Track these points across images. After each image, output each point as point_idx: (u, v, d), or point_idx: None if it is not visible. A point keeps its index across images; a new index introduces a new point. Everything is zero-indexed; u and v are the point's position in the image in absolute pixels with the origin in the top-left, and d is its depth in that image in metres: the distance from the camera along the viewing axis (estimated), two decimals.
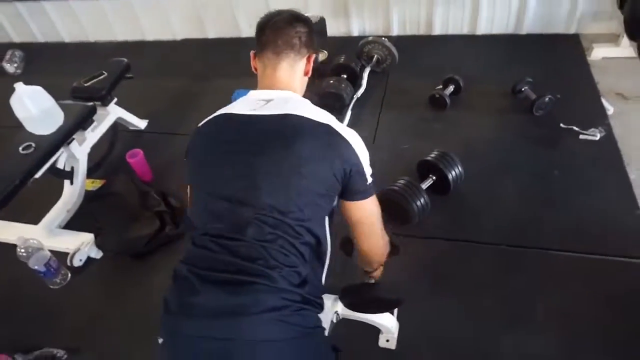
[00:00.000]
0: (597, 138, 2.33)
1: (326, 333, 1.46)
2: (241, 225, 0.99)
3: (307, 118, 1.06)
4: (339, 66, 2.92)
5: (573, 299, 1.73)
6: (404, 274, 1.92)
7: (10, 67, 2.35)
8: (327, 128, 1.07)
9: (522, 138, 2.43)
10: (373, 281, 1.47)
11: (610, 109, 2.49)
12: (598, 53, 2.85)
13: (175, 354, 0.97)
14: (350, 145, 1.08)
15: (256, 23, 1.21)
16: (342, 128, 1.10)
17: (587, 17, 3.00)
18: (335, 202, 1.15)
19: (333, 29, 3.42)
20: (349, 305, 1.40)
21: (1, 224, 2.35)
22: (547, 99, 2.46)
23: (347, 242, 1.45)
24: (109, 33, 3.92)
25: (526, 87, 2.58)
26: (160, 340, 1.00)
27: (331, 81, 2.76)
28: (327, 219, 1.15)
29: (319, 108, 1.13)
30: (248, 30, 3.67)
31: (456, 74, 2.73)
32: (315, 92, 2.80)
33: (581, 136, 2.36)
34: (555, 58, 2.93)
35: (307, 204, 1.03)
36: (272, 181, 1.01)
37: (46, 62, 3.82)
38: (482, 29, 3.20)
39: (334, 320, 1.60)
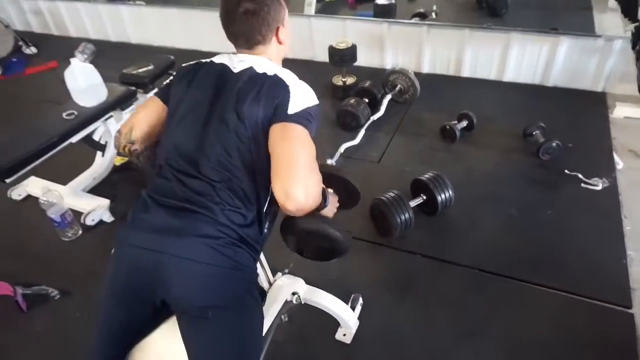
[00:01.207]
0: (599, 188, 2.34)
1: (276, 307, 1.57)
2: (198, 163, 1.13)
3: (258, 72, 1.17)
4: (362, 90, 3.10)
5: (530, 327, 1.75)
6: (375, 280, 2.01)
7: (80, 57, 2.69)
8: (273, 77, 1.15)
9: (521, 176, 2.48)
10: None
11: (620, 164, 2.49)
12: (621, 111, 2.86)
13: (117, 259, 1.14)
14: (287, 87, 1.14)
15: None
16: (287, 75, 1.17)
17: (614, 77, 3.04)
18: None
19: (367, 60, 3.64)
20: (286, 236, 1.25)
21: (34, 179, 2.64)
22: (554, 143, 2.50)
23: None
24: (170, 39, 4.35)
25: (537, 132, 2.63)
26: (112, 251, 1.16)
27: (351, 101, 2.94)
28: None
29: (279, 67, 1.22)
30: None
31: (473, 112, 2.83)
32: (335, 109, 2.99)
33: (583, 184, 2.37)
34: (576, 111, 2.97)
35: (250, 147, 1.11)
36: (222, 126, 1.13)
37: (112, 58, 4.24)
38: (509, 76, 3.31)
39: (292, 301, 1.70)
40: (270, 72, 1.18)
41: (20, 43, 4.46)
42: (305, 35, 3.72)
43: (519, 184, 2.44)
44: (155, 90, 2.71)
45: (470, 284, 1.94)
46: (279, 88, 1.14)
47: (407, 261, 2.08)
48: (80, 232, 2.38)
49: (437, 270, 2.01)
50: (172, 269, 1.06)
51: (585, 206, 2.26)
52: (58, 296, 2.04)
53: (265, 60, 1.23)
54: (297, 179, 1.01)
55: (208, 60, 1.28)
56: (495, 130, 2.84)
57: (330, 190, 1.30)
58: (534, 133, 2.64)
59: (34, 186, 2.62)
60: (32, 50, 4.48)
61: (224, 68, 1.22)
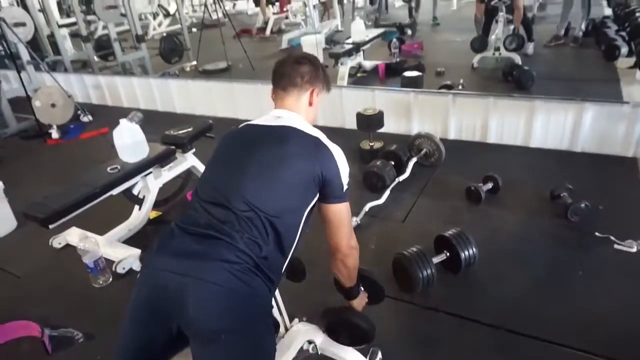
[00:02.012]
0: (634, 250, 2.25)
1: (290, 354, 1.58)
2: (228, 195, 1.23)
3: (301, 130, 1.35)
4: (389, 152, 3.20)
5: None
6: (397, 336, 1.96)
7: (129, 122, 3.01)
8: (316, 139, 1.33)
9: (549, 237, 2.42)
10: None
11: None
12: None
13: (141, 282, 1.20)
14: (334, 157, 1.31)
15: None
16: (330, 143, 1.35)
17: None
18: (311, 205, 1.33)
19: (395, 127, 3.78)
20: (324, 325, 1.60)
21: (74, 229, 2.80)
22: (583, 205, 2.46)
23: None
24: (212, 109, 4.70)
25: (565, 193, 2.61)
26: (137, 276, 1.23)
27: (377, 163, 3.03)
28: (302, 220, 1.31)
29: (314, 128, 1.40)
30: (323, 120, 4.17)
31: (499, 175, 2.85)
32: (362, 171, 3.09)
33: (616, 246, 2.29)
34: (606, 176, 2.94)
35: (285, 196, 1.25)
36: (260, 171, 1.26)
37: (157, 124, 4.63)
38: (536, 142, 3.34)
39: (308, 350, 1.68)
40: (312, 133, 1.35)
41: (79, 112, 4.93)
42: (337, 104, 3.94)
43: (546, 244, 2.38)
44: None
45: (495, 343, 1.85)
46: (325, 150, 1.32)
47: (429, 318, 2.02)
48: (110, 279, 2.47)
49: (460, 328, 1.94)
50: (192, 291, 1.11)
51: (618, 268, 2.17)
52: (82, 339, 2.09)
53: (300, 119, 1.40)
54: (346, 238, 1.39)
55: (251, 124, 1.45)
56: (522, 192, 2.83)
57: (361, 288, 1.62)
58: (561, 195, 2.61)
59: (73, 236, 2.78)
60: (89, 118, 4.93)
61: (262, 125, 1.40)
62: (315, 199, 1.33)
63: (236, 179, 1.26)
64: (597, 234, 2.38)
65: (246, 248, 1.17)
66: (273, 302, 1.54)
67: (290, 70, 1.45)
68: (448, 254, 2.22)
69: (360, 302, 1.61)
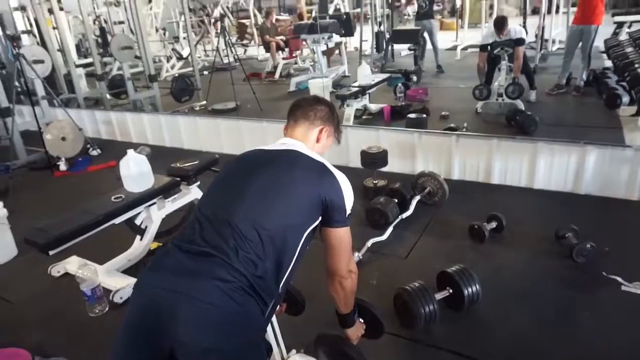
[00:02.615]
0: None
1: None
2: (227, 212, 1.23)
3: (306, 155, 1.39)
4: (392, 190, 3.21)
5: None
6: None
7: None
8: (322, 165, 1.36)
9: (554, 277, 2.38)
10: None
11: None
12: None
13: (133, 300, 1.18)
14: (338, 183, 1.35)
15: None
16: (335, 170, 1.37)
17: None
18: (312, 227, 1.32)
19: (399, 167, 3.81)
20: (318, 350, 1.56)
21: (74, 258, 2.79)
22: (588, 245, 2.43)
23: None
24: (217, 145, 4.77)
25: (570, 234, 2.58)
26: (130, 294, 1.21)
27: (381, 199, 3.03)
28: (301, 241, 1.29)
29: (319, 155, 1.43)
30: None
31: (503, 215, 2.83)
32: (365, 207, 3.08)
33: (623, 287, 2.24)
34: (612, 219, 2.92)
35: (287, 215, 1.25)
36: (264, 191, 1.27)
37: (164, 159, 4.69)
38: (540, 184, 3.34)
39: None
40: (317, 159, 1.39)
41: (88, 146, 5.02)
42: (342, 143, 3.97)
43: (551, 284, 2.33)
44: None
45: None
46: (329, 176, 1.35)
47: (429, 355, 1.96)
48: (107, 308, 2.43)
49: None
50: (183, 308, 1.09)
51: (626, 310, 2.11)
52: None
53: (305, 148, 1.44)
54: (345, 262, 1.40)
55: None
56: (526, 232, 2.80)
57: (360, 320, 1.62)
58: (566, 235, 2.58)
59: (73, 264, 2.76)
60: (97, 152, 5.01)
61: (268, 150, 1.44)
62: (317, 222, 1.33)
63: (239, 197, 1.26)
64: (604, 273, 2.33)
65: (241, 267, 1.15)
66: (269, 330, 1.51)
67: (306, 105, 1.53)
68: (451, 290, 2.17)
69: (356, 332, 1.59)
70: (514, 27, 5.27)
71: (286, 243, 1.24)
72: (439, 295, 2.15)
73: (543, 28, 7.45)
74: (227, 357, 1.10)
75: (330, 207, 1.32)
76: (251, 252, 1.17)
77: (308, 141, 1.49)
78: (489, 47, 5.10)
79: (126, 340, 1.19)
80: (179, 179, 3.00)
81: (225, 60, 7.72)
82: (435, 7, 8.56)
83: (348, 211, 1.37)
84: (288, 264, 1.27)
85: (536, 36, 7.43)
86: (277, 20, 9.61)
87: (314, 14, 9.98)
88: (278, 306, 1.45)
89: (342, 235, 1.36)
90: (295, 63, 9.14)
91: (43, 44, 5.89)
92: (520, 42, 5.02)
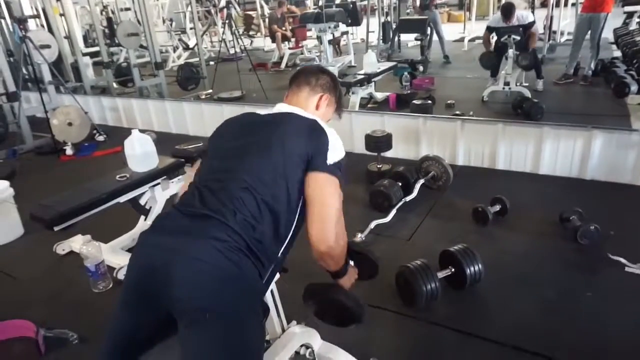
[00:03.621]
0: None
1: (284, 356, 1.52)
2: (225, 177, 1.23)
3: (299, 115, 1.36)
4: (396, 173, 3.20)
5: None
6: (398, 349, 1.89)
7: None
8: (313, 122, 1.33)
9: (558, 259, 2.37)
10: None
11: None
12: None
13: (131, 259, 1.19)
14: (327, 137, 1.30)
15: None
16: (326, 126, 1.34)
17: None
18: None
19: (403, 152, 3.81)
20: (307, 301, 1.47)
21: (79, 237, 2.81)
22: (592, 227, 2.41)
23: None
24: None
25: (574, 217, 2.56)
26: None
27: (384, 182, 3.03)
28: (300, 203, 1.27)
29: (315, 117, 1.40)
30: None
31: (507, 199, 2.81)
32: (368, 190, 3.08)
33: (627, 268, 2.23)
34: (617, 203, 2.89)
35: (282, 175, 1.22)
36: (259, 153, 1.25)
37: (170, 144, 4.71)
38: (545, 169, 3.32)
39: (304, 355, 1.63)
40: (308, 116, 1.36)
41: (95, 131, 5.05)
42: (347, 128, 3.99)
43: (555, 266, 2.32)
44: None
45: None
46: (319, 133, 1.31)
47: (431, 333, 1.96)
48: (111, 285, 2.45)
49: (464, 344, 1.88)
50: (178, 267, 1.09)
51: (630, 291, 2.10)
52: (76, 341, 2.06)
53: (302, 111, 1.40)
54: (331, 226, 1.23)
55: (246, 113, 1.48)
56: (530, 216, 2.79)
57: (351, 263, 1.49)
58: (571, 218, 2.56)
59: (77, 243, 2.78)
60: (103, 137, 5.04)
61: (259, 115, 1.41)
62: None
63: (235, 161, 1.26)
64: (608, 255, 2.31)
65: (239, 228, 1.14)
66: (270, 300, 1.51)
67: (309, 72, 1.52)
68: (453, 269, 2.17)
69: (349, 279, 1.45)
70: (521, 12, 5.21)
71: (282, 205, 1.22)
72: (441, 274, 2.14)
73: (552, 18, 7.38)
74: (222, 317, 1.09)
75: (312, 156, 1.25)
76: (249, 215, 1.17)
77: (307, 107, 1.46)
78: (494, 31, 5.14)
79: (124, 301, 1.20)
80: (183, 160, 3.01)
81: (232, 51, 7.72)
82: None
83: (332, 161, 1.26)
84: (287, 227, 1.25)
85: (544, 27, 7.36)
86: (288, 10, 9.59)
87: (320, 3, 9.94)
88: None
89: (322, 183, 1.24)
90: (302, 53, 9.12)
91: (50, 30, 5.91)
92: (530, 25, 5.07)
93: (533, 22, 5.16)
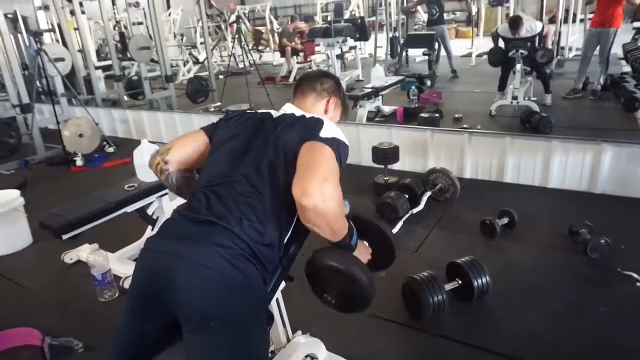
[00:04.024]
0: None
1: None
2: (228, 181, 1.22)
3: (301, 114, 1.35)
4: (403, 185, 3.20)
5: None
6: None
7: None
8: (317, 119, 1.31)
9: (567, 273, 2.33)
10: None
11: None
12: None
13: (137, 265, 1.19)
14: (322, 121, 1.28)
15: None
16: (324, 117, 1.33)
17: None
18: None
19: (410, 165, 3.80)
20: (310, 268, 1.28)
21: (87, 246, 2.82)
22: (602, 240, 2.38)
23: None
24: None
25: (583, 230, 2.53)
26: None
27: (391, 194, 3.02)
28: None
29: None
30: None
31: (515, 211, 2.79)
32: (375, 202, 3.07)
33: (639, 283, 2.19)
34: (628, 218, 2.86)
35: (281, 167, 1.20)
36: (258, 152, 1.25)
37: None
38: (554, 183, 3.29)
39: None
40: (308, 115, 1.35)
41: (105, 143, 5.11)
42: (354, 141, 4.00)
43: (564, 279, 2.29)
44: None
45: None
46: (314, 120, 1.30)
47: (437, 345, 1.93)
48: (117, 294, 2.45)
49: (471, 357, 1.86)
50: (183, 273, 1.09)
51: None
52: (81, 350, 2.05)
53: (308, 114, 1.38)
54: (315, 178, 1.10)
55: (253, 111, 1.47)
56: (538, 229, 2.76)
57: (365, 243, 1.36)
58: (580, 231, 2.53)
59: (85, 252, 2.79)
60: (113, 149, 5.10)
61: (266, 114, 1.40)
62: None
63: (242, 164, 1.25)
64: (619, 269, 2.28)
65: (244, 235, 1.13)
66: (275, 309, 1.50)
67: (312, 77, 1.50)
68: (460, 281, 2.15)
69: (359, 254, 1.30)
70: (530, 23, 5.22)
71: (285, 208, 1.19)
72: (448, 286, 2.12)
73: (560, 34, 7.39)
74: (227, 325, 1.09)
75: (304, 136, 1.22)
76: (255, 221, 1.16)
77: (315, 113, 1.42)
78: (502, 39, 5.29)
79: (130, 306, 1.21)
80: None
81: (241, 65, 7.82)
82: (445, 16, 8.59)
83: (326, 135, 1.21)
84: (287, 229, 1.23)
85: (552, 43, 7.37)
86: (297, 27, 9.74)
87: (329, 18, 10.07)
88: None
89: (311, 147, 1.18)
90: (310, 67, 9.21)
91: (64, 44, 6.04)
92: (541, 32, 5.22)
93: (543, 28, 5.22)
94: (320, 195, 1.07)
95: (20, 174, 4.38)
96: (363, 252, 1.33)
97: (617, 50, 6.27)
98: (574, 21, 8.35)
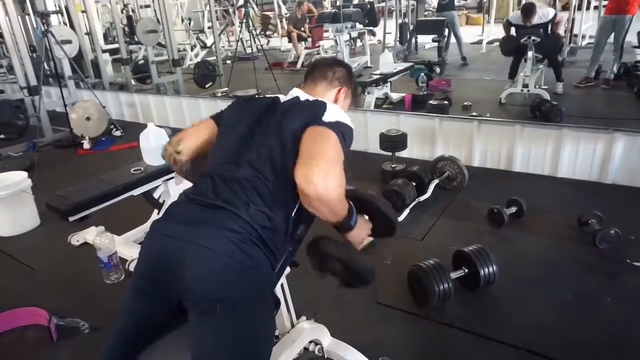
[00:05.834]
0: None
1: (292, 351, 1.50)
2: (234, 167, 1.21)
3: (307, 98, 1.33)
4: (410, 173, 3.17)
5: None
6: (409, 349, 1.86)
7: None
8: (320, 102, 1.29)
9: (576, 263, 2.31)
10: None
11: None
12: None
13: (143, 247, 1.19)
14: (325, 104, 1.27)
15: None
16: (328, 101, 1.32)
17: None
18: None
19: (418, 152, 3.77)
20: (310, 252, 1.31)
21: (93, 228, 2.83)
22: (612, 231, 2.35)
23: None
24: None
25: (593, 220, 2.49)
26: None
27: (398, 181, 3.00)
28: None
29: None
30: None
31: (524, 201, 2.75)
32: (382, 189, 3.05)
33: None
34: (638, 207, 2.81)
35: (284, 153, 1.18)
36: (263, 136, 1.24)
37: None
38: (564, 172, 3.25)
39: (313, 351, 1.61)
40: (311, 98, 1.33)
41: (112, 126, 5.11)
42: (361, 128, 3.96)
43: (572, 270, 2.27)
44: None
45: None
46: (318, 104, 1.28)
47: (443, 333, 1.93)
48: (123, 277, 2.47)
49: (476, 346, 1.84)
50: (191, 256, 1.08)
51: None
52: (87, 330, 2.07)
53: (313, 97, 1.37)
54: (318, 166, 1.08)
55: (261, 96, 1.45)
56: (547, 218, 2.73)
57: (365, 217, 1.35)
58: (589, 221, 2.50)
59: (91, 234, 2.81)
60: (120, 132, 5.10)
61: (273, 99, 1.38)
62: None
63: (249, 148, 1.24)
64: (628, 261, 2.25)
65: (251, 219, 1.12)
66: (280, 294, 1.50)
67: (324, 65, 1.48)
68: (466, 270, 2.13)
69: (359, 234, 1.30)
70: (542, 10, 5.10)
71: (290, 193, 1.16)
72: (454, 275, 2.11)
73: (573, 20, 7.25)
74: (234, 308, 1.08)
75: (308, 120, 1.20)
76: (261, 205, 1.15)
77: (324, 99, 1.40)
78: (514, 27, 5.18)
79: (136, 288, 1.20)
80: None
81: (249, 50, 7.76)
82: (456, 2, 8.45)
83: (329, 119, 1.20)
84: (293, 213, 1.21)
85: (565, 30, 7.23)
86: (309, 10, 9.61)
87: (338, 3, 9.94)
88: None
89: (315, 132, 1.16)
90: (318, 53, 9.12)
91: (71, 26, 6.00)
92: (553, 19, 5.04)
93: (555, 15, 5.09)
94: (323, 184, 1.07)
95: (28, 156, 4.39)
96: (363, 227, 1.32)
97: (631, 38, 6.13)
98: (587, 8, 8.18)
